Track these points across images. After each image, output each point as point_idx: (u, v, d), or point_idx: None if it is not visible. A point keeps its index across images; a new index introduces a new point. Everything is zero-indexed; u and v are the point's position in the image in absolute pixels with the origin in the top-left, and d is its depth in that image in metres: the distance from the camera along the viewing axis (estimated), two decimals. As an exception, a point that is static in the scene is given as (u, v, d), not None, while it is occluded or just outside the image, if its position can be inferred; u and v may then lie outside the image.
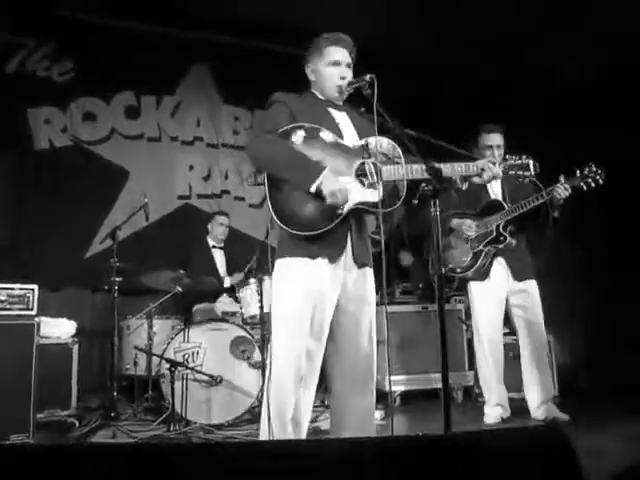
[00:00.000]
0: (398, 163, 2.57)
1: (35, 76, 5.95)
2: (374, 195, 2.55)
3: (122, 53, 6.09)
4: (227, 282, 5.34)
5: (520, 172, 2.71)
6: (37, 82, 5.95)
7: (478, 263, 4.10)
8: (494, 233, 4.05)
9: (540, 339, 4.09)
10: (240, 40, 6.53)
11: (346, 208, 2.51)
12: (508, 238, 4.02)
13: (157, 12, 6.08)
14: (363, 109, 2.63)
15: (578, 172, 3.70)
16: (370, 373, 2.67)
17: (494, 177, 2.66)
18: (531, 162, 2.70)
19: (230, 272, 5.57)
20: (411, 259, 6.21)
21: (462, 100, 6.47)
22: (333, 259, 2.56)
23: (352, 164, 2.58)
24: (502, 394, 4.13)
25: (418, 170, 2.52)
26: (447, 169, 2.59)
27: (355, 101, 2.75)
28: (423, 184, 2.48)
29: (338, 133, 2.64)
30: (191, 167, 6.63)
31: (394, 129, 2.51)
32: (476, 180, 2.70)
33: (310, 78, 2.82)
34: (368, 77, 2.56)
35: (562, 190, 3.73)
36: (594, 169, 3.66)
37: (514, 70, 6.36)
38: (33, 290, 3.68)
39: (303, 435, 2.59)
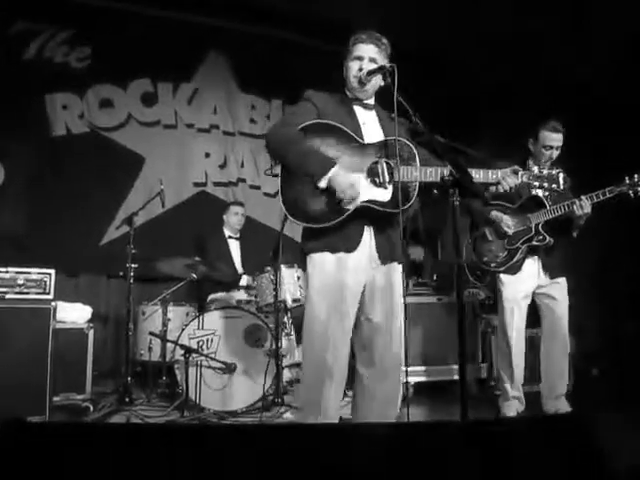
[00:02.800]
0: (412, 165, 2.58)
1: (53, 62, 5.96)
2: (384, 195, 2.58)
3: (139, 40, 6.09)
4: (244, 281, 5.33)
5: (546, 184, 2.59)
6: (55, 68, 5.96)
7: (513, 260, 4.03)
8: (533, 231, 3.97)
9: (563, 334, 4.04)
10: (258, 28, 6.52)
11: (353, 205, 2.53)
12: (547, 238, 3.94)
13: (174, -1, 6.08)
14: (394, 114, 2.62)
15: (627, 179, 3.63)
16: (396, 365, 2.72)
17: (508, 189, 2.61)
18: (561, 175, 2.59)
19: (245, 265, 5.57)
20: (421, 253, 6.19)
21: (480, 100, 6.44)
22: (349, 250, 2.60)
23: (366, 162, 2.60)
24: (519, 387, 4.10)
25: (432, 173, 2.53)
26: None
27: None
28: (445, 173, 2.45)
29: (359, 132, 2.68)
30: (207, 154, 6.63)
31: (424, 132, 2.50)
32: (492, 189, 2.65)
33: (344, 75, 2.84)
34: (388, 66, 2.56)
35: (584, 204, 3.69)
36: None
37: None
38: (50, 275, 3.72)
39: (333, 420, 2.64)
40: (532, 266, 4.06)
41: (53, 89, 5.96)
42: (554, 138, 3.99)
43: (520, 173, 2.60)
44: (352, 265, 2.60)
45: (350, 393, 2.98)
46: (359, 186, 2.53)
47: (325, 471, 1.25)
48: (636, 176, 3.60)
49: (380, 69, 2.62)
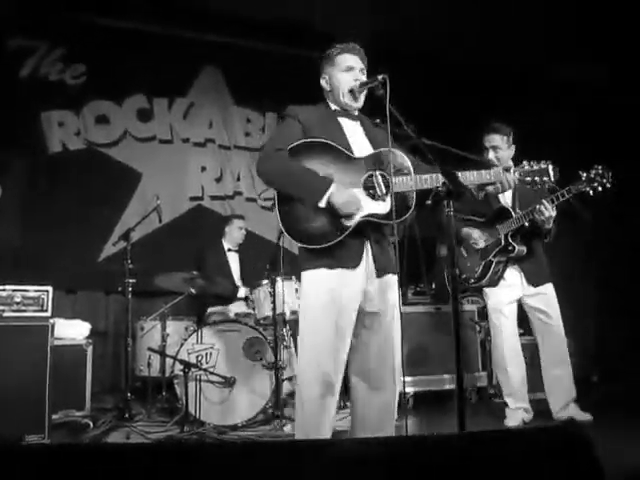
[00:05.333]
0: (407, 174, 2.57)
1: (48, 79, 6.00)
2: (383, 207, 2.57)
3: (134, 55, 6.13)
4: (242, 292, 5.32)
5: (538, 178, 2.56)
6: (50, 85, 6.00)
7: (490, 273, 4.03)
8: (502, 243, 3.96)
9: (559, 341, 4.01)
10: (252, 42, 6.56)
11: (354, 221, 2.53)
12: (517, 247, 3.92)
13: (168, 14, 6.11)
14: (378, 120, 2.62)
15: (584, 175, 3.48)
16: (392, 374, 2.69)
17: (508, 186, 2.60)
18: (550, 167, 2.55)
19: (244, 277, 5.57)
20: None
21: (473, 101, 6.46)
22: (352, 267, 2.59)
23: (360, 176, 2.59)
24: (524, 396, 4.05)
25: (427, 180, 2.53)
26: (460, 178, 2.56)
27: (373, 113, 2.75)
28: (440, 180, 2.45)
29: (347, 145, 2.66)
30: (203, 168, 6.65)
31: (410, 135, 2.50)
32: (489, 189, 2.65)
33: (325, 88, 2.83)
34: (380, 77, 2.55)
35: (543, 209, 3.63)
36: (600, 172, 3.43)
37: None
38: (47, 292, 3.71)
39: (328, 435, 2.62)
40: (514, 276, 4.05)
41: (49, 106, 5.99)
42: (490, 139, 4.00)
43: (512, 170, 2.59)
44: (351, 281, 2.58)
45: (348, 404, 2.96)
46: (359, 200, 2.53)
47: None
48: (592, 172, 3.45)
49: (373, 81, 2.59)
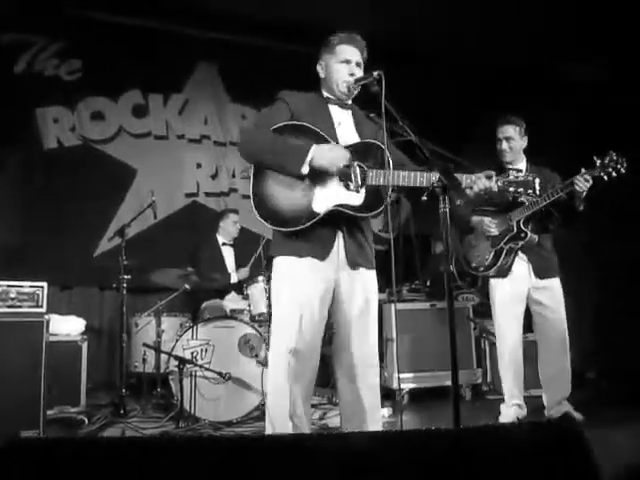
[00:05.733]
0: (384, 169, 2.55)
1: (43, 75, 5.99)
2: (356, 199, 2.56)
3: (129, 52, 6.12)
4: (234, 277, 5.34)
5: (522, 189, 2.50)
6: (45, 81, 5.99)
7: (500, 261, 4.00)
8: (514, 229, 3.94)
9: (560, 337, 3.98)
10: (247, 38, 6.54)
11: (325, 209, 2.52)
12: (529, 234, 3.91)
13: (164, 10, 6.09)
14: (373, 114, 2.62)
15: (598, 162, 3.54)
16: (371, 370, 2.69)
17: (485, 191, 2.54)
18: (537, 180, 2.48)
19: (239, 270, 5.58)
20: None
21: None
22: (321, 258, 2.58)
23: (340, 148, 2.58)
24: (520, 393, 4.05)
25: (405, 177, 2.51)
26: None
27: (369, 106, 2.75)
28: (433, 179, 2.45)
29: (332, 133, 2.66)
30: (199, 165, 6.65)
31: (404, 132, 2.49)
32: (468, 192, 2.62)
33: (320, 75, 2.82)
34: (376, 74, 2.54)
35: (582, 182, 3.58)
36: (615, 158, 3.48)
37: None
38: (42, 287, 3.70)
39: (305, 431, 2.60)
40: (522, 267, 4.02)
41: (44, 102, 5.98)
42: (504, 130, 4.02)
43: (494, 178, 2.52)
44: (320, 270, 2.57)
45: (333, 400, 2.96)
46: (345, 152, 2.52)
47: None
48: (607, 158, 3.51)
49: (369, 77, 2.57)
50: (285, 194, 2.53)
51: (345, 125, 2.74)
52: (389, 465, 1.26)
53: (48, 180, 5.82)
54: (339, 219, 2.59)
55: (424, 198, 2.50)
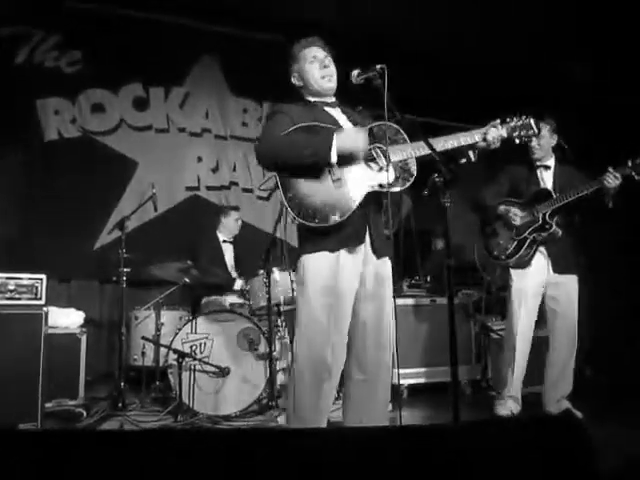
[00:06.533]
0: (402, 142, 2.62)
1: (43, 67, 5.96)
2: (387, 177, 2.56)
3: (130, 44, 6.09)
4: (238, 285, 5.31)
5: (524, 132, 2.68)
6: (46, 73, 5.96)
7: (521, 251, 4.03)
8: (540, 221, 3.99)
9: (569, 335, 4.01)
10: (248, 31, 6.52)
11: (362, 193, 2.53)
12: (554, 227, 3.95)
13: (165, 3, 6.08)
14: (360, 108, 2.63)
15: (629, 161, 3.66)
16: (386, 365, 2.69)
17: (497, 139, 2.66)
18: (532, 120, 2.67)
19: (239, 269, 5.56)
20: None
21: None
22: (352, 250, 2.59)
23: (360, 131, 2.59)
24: (517, 388, 4.07)
25: (424, 147, 2.53)
26: (453, 141, 2.63)
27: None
28: (434, 175, 2.45)
29: (339, 126, 2.68)
30: (199, 159, 6.63)
31: (402, 121, 2.52)
32: (481, 145, 2.67)
33: (298, 85, 2.86)
34: (379, 67, 2.55)
35: (612, 178, 3.67)
36: None
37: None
38: (41, 280, 3.69)
39: (324, 422, 2.64)
40: (541, 261, 4.05)
41: (44, 94, 5.94)
42: None
43: (499, 127, 2.68)
44: (350, 263, 2.57)
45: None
46: (365, 134, 2.54)
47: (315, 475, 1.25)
48: (638, 159, 3.63)
49: (372, 71, 2.58)
50: (318, 189, 2.52)
51: (342, 121, 2.77)
52: (388, 460, 1.25)
53: (48, 172, 5.80)
54: (369, 203, 2.60)
55: (425, 193, 2.51)
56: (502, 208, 4.16)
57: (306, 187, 2.53)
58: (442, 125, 2.61)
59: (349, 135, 2.52)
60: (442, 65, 6.71)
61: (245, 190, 6.80)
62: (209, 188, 6.63)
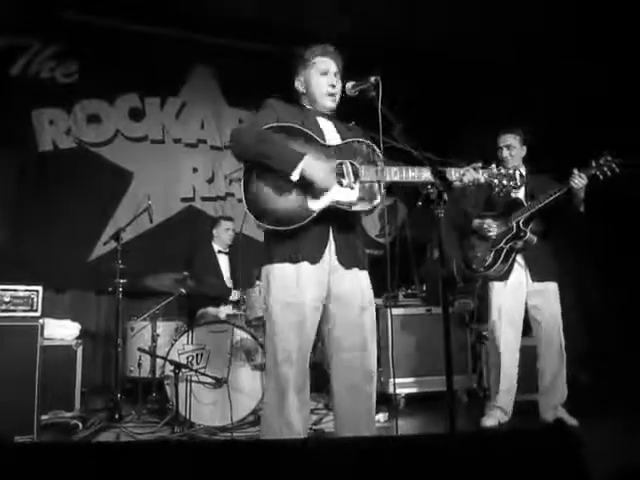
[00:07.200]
0: (377, 165, 2.59)
1: (39, 77, 5.97)
2: (350, 195, 2.57)
3: (126, 55, 6.11)
4: (235, 296, 5.30)
5: (504, 182, 2.60)
6: (41, 83, 5.97)
7: (499, 262, 4.07)
8: (514, 230, 4.04)
9: (555, 342, 4.04)
10: (244, 42, 6.54)
11: (320, 206, 2.53)
12: (528, 234, 4.00)
13: (160, 13, 6.09)
14: (353, 123, 2.63)
15: (593, 162, 3.72)
16: (367, 375, 2.65)
17: (473, 182, 2.60)
18: (517, 172, 2.60)
19: (234, 279, 5.56)
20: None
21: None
22: (314, 260, 2.58)
23: (331, 164, 2.59)
24: (506, 398, 4.07)
25: (397, 172, 2.54)
26: (427, 175, 2.56)
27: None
28: (428, 186, 2.46)
29: (320, 136, 2.67)
30: (195, 169, 6.64)
31: (396, 138, 2.52)
32: (457, 185, 2.65)
33: (299, 90, 2.86)
34: (373, 79, 2.56)
35: (577, 179, 3.72)
36: (609, 158, 3.68)
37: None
38: (37, 291, 3.69)
39: (299, 436, 2.59)
40: (520, 274, 4.10)
41: (40, 104, 5.96)
42: (504, 138, 4.19)
43: (481, 171, 2.61)
44: (312, 273, 2.56)
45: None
46: (332, 175, 2.53)
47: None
48: (602, 159, 3.70)
49: (366, 82, 2.59)
50: (279, 193, 2.53)
51: (329, 132, 2.75)
52: (384, 471, 1.26)
53: (43, 182, 5.80)
54: (331, 218, 2.59)
55: (419, 203, 2.51)
56: (476, 222, 4.22)
57: (267, 187, 2.54)
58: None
59: (321, 169, 2.50)
60: (442, 65, 6.73)
61: (241, 201, 6.78)
62: (204, 199, 6.64)
